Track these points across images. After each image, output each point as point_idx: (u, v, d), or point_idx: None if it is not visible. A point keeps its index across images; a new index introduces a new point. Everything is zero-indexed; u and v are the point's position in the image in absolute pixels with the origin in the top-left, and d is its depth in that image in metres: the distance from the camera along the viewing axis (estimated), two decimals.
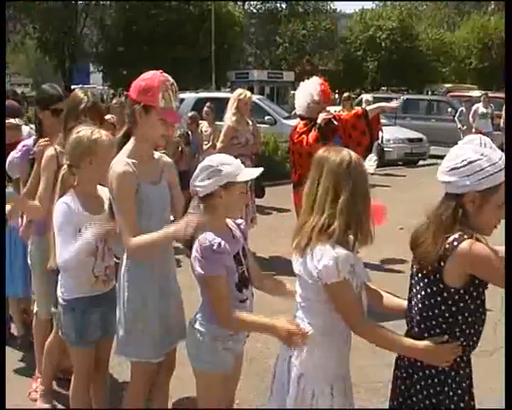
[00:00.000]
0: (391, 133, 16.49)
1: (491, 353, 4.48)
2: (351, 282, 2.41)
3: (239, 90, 7.60)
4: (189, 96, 15.61)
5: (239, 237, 2.88)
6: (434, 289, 2.32)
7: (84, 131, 3.23)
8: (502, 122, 14.69)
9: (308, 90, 6.02)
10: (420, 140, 17.32)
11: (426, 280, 2.35)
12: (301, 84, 6.19)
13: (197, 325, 2.81)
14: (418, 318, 2.42)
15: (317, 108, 5.95)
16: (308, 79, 6.28)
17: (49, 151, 3.70)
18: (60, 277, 3.33)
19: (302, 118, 6.13)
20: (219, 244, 2.62)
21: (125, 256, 3.08)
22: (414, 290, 2.44)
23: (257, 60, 46.26)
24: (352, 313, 2.44)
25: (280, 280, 3.01)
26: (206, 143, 10.24)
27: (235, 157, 7.86)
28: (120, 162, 2.96)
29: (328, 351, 2.54)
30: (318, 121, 5.86)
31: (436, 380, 2.37)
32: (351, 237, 2.48)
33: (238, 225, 2.94)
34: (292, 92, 31.48)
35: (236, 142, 7.28)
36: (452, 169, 2.30)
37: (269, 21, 45.46)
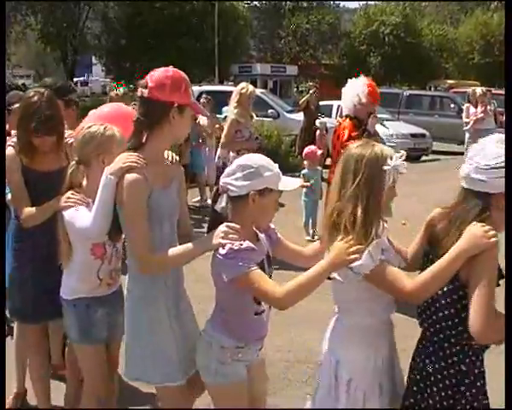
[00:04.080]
0: (394, 128, 16.48)
1: (497, 354, 4.47)
2: (387, 261, 2.39)
3: (242, 84, 7.59)
4: (193, 89, 15.59)
5: (264, 245, 2.69)
6: (451, 287, 2.33)
7: (96, 126, 3.04)
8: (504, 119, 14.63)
9: (355, 91, 5.96)
10: (423, 136, 17.31)
11: None
12: (349, 81, 6.13)
13: (206, 336, 2.69)
14: (434, 317, 2.41)
15: (364, 110, 5.91)
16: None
17: (8, 151, 3.36)
18: (63, 277, 3.14)
19: (349, 117, 6.09)
20: (240, 244, 2.45)
21: (132, 268, 2.80)
22: None
23: (260, 53, 46.17)
24: (400, 287, 2.34)
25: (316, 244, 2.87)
26: (204, 135, 10.31)
27: (238, 152, 7.90)
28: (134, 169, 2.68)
29: (375, 351, 2.51)
30: (368, 127, 5.86)
31: (453, 380, 2.37)
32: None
33: (266, 230, 2.75)
34: (295, 86, 31.49)
35: (240, 136, 7.27)
36: (491, 168, 2.28)
37: (272, 15, 45.36)
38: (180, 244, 2.79)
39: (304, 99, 13.54)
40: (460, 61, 44.42)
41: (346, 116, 6.11)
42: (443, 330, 2.38)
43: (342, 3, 57.02)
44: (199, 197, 10.58)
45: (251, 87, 7.50)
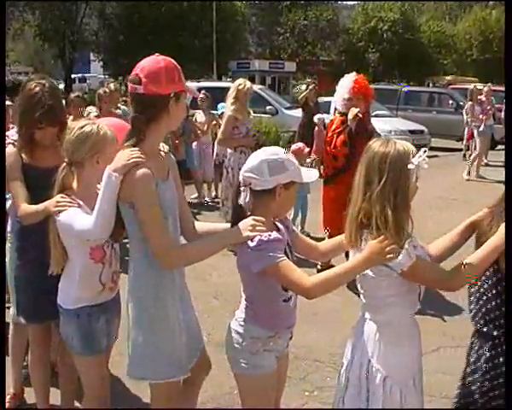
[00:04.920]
0: (392, 125, 16.48)
1: None
2: (420, 256, 2.45)
3: (239, 80, 7.58)
4: (191, 86, 15.59)
5: (284, 233, 2.69)
6: (494, 279, 2.43)
7: (89, 125, 2.89)
8: (502, 115, 14.62)
9: (343, 87, 6.12)
10: (421, 132, 17.31)
11: (487, 273, 2.47)
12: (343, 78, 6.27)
13: (236, 326, 2.67)
14: (483, 310, 2.50)
15: (349, 105, 6.03)
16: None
17: (9, 149, 3.31)
18: (60, 284, 3.03)
19: (340, 114, 6.22)
20: (269, 235, 2.48)
21: (136, 266, 2.74)
22: (476, 286, 2.54)
23: (258, 50, 46.14)
24: (437, 278, 2.47)
25: (336, 239, 2.88)
26: (198, 131, 10.32)
27: (236, 148, 7.86)
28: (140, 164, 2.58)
29: (409, 345, 2.54)
30: (348, 122, 5.95)
31: (498, 371, 2.44)
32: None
33: (282, 221, 2.77)
34: (293, 82, 31.47)
35: (237, 132, 7.26)
36: None
37: (271, 12, 45.32)
38: (187, 241, 2.81)
39: (302, 95, 13.52)
40: (458, 57, 44.44)
41: (338, 112, 6.21)
42: (490, 321, 2.47)
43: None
44: (196, 194, 10.59)
45: (248, 83, 7.49)
